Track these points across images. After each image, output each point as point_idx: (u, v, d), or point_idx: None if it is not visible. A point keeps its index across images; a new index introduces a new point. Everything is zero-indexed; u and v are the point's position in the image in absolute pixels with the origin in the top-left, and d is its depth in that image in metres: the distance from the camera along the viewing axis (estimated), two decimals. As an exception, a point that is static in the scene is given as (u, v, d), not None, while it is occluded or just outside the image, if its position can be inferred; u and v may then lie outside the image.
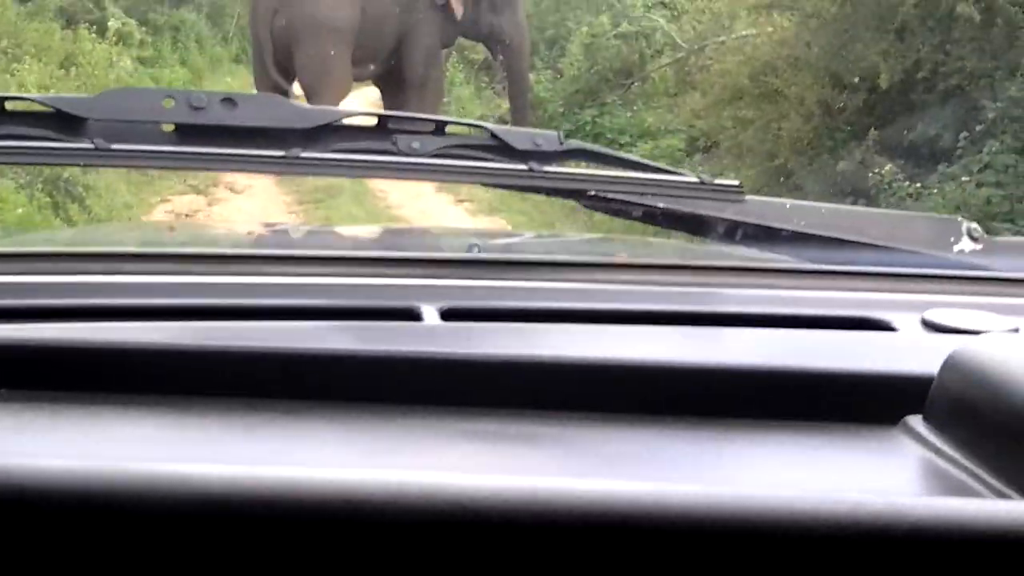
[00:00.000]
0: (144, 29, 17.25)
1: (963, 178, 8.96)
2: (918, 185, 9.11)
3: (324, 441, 0.95)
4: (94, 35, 14.56)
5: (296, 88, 12.49)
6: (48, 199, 9.09)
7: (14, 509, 0.73)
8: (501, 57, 13.41)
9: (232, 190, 10.88)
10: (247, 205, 10.37)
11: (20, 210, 8.44)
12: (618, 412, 1.00)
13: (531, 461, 0.94)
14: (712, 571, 0.73)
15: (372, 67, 13.25)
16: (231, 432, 0.97)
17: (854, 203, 8.09)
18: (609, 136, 13.02)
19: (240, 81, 17.57)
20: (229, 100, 1.47)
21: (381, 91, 13.77)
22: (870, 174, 9.39)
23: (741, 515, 0.73)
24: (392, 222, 9.49)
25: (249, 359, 1.05)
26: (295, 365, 1.05)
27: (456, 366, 1.05)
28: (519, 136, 1.51)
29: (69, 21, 14.97)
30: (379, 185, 11.13)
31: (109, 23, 15.59)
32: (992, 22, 9.61)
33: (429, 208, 10.46)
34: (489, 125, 1.56)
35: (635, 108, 14.27)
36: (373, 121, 1.57)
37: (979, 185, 8.86)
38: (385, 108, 12.27)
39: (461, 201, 10.86)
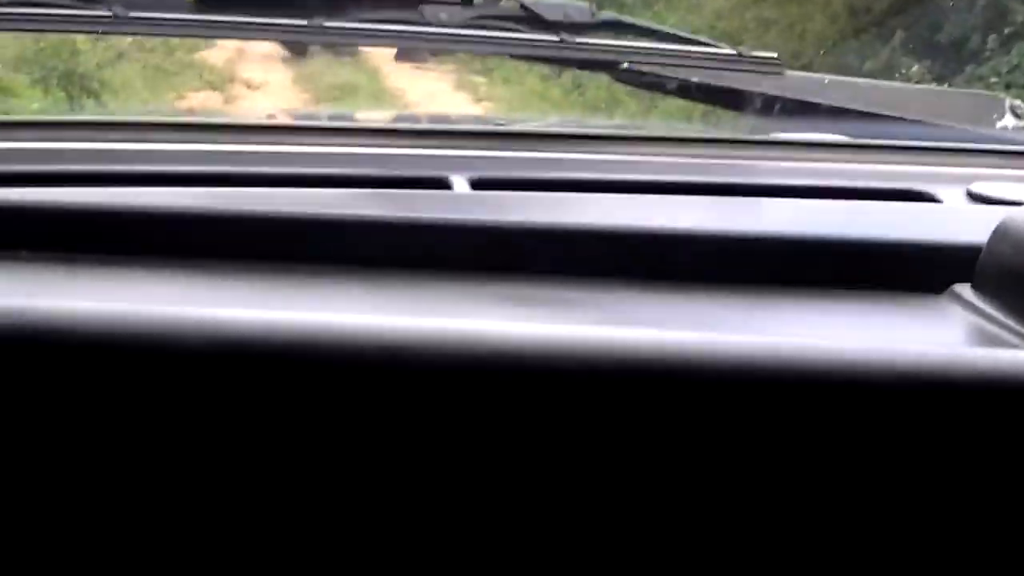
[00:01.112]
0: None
1: (992, 79, 8.91)
2: (946, 86, 9.06)
3: (352, 302, 0.95)
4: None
5: None
6: (63, 94, 9.00)
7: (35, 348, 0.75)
8: None
9: (249, 86, 10.80)
10: (264, 102, 10.31)
11: (36, 104, 8.37)
12: (649, 279, 0.99)
13: (559, 322, 0.93)
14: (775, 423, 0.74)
15: None
16: (256, 292, 0.96)
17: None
18: (628, 38, 12.99)
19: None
20: None
21: None
22: (897, 75, 9.32)
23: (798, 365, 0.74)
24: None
25: (275, 223, 1.04)
26: (323, 229, 1.03)
27: (486, 233, 1.04)
28: (550, 7, 1.49)
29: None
30: (397, 84, 11.09)
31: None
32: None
33: (448, 107, 10.42)
34: None
35: (655, 8, 14.15)
36: None
37: (1008, 86, 8.81)
38: None
39: (480, 100, 10.82)
